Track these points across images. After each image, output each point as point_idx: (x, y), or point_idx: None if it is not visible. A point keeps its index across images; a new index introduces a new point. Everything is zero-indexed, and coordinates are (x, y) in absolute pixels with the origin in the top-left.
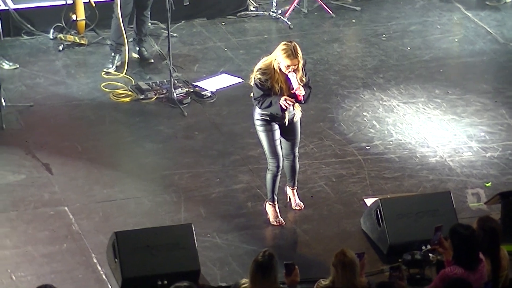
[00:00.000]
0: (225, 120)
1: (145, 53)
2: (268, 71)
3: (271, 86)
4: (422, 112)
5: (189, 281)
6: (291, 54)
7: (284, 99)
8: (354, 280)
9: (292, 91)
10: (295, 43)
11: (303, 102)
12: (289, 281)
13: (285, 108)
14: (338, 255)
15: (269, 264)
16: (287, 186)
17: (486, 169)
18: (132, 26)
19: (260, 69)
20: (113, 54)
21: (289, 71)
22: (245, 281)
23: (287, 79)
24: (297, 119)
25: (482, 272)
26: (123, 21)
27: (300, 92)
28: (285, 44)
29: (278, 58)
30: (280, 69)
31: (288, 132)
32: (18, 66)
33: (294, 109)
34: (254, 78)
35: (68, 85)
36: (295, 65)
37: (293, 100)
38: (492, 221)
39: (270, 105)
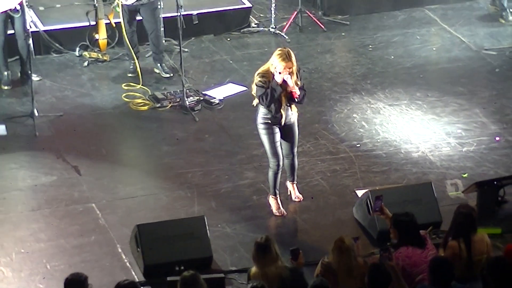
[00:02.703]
0: (232, 123)
1: (166, 69)
2: (267, 75)
3: (269, 88)
4: (405, 113)
5: (203, 266)
6: (286, 57)
7: (281, 77)
8: (351, 263)
9: (288, 91)
10: (289, 49)
11: (298, 100)
12: (295, 264)
13: (282, 82)
14: (336, 241)
15: (265, 243)
16: (288, 181)
17: (463, 162)
18: (148, 43)
19: (259, 73)
20: (132, 61)
21: (286, 74)
22: (254, 267)
23: (284, 82)
24: (294, 119)
25: (428, 255)
26: (130, 40)
27: (296, 90)
28: (280, 50)
29: (274, 63)
30: (276, 73)
31: (287, 134)
32: (41, 78)
33: (291, 111)
34: (255, 81)
35: (93, 96)
36: (289, 68)
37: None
38: (469, 208)
39: (272, 96)
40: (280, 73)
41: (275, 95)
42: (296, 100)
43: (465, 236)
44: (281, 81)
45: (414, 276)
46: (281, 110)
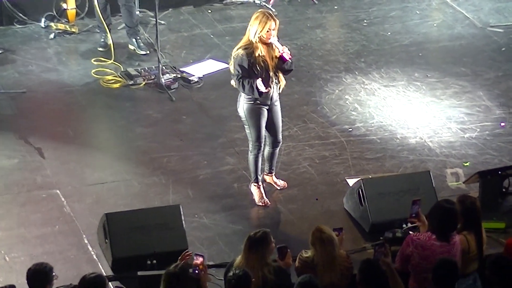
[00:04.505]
0: (212, 104)
1: (141, 45)
2: (249, 46)
3: (254, 61)
4: (402, 95)
5: (177, 260)
6: (269, 16)
7: (259, 81)
8: (334, 253)
9: (278, 56)
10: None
11: (289, 66)
12: (282, 264)
13: (262, 91)
14: (315, 233)
15: (257, 240)
16: (265, 175)
17: (464, 149)
18: (121, 14)
19: (241, 46)
20: (103, 34)
21: (271, 36)
22: (239, 258)
23: (268, 51)
24: (277, 98)
25: (451, 251)
26: (101, 11)
27: (287, 51)
28: (258, 12)
29: (257, 28)
30: (260, 41)
31: (274, 116)
32: (3, 51)
33: (273, 88)
34: (236, 54)
35: (60, 72)
36: (274, 29)
37: (266, 89)
38: (472, 198)
39: (249, 86)
40: (265, 37)
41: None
42: (288, 64)
43: (474, 229)
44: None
45: (419, 270)
46: (270, 83)
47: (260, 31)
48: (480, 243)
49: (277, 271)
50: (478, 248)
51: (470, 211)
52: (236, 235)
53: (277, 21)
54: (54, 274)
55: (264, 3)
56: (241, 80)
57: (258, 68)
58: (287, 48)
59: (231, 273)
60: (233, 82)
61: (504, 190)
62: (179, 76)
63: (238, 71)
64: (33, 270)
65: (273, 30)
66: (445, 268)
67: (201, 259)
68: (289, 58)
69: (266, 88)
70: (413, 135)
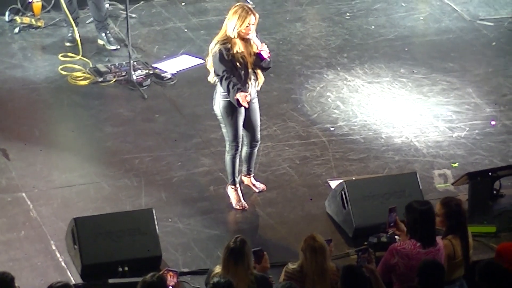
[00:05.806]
0: (186, 102)
1: (112, 40)
2: (227, 41)
3: (233, 57)
4: (387, 92)
5: (151, 267)
6: (248, 11)
7: (243, 95)
8: (324, 265)
9: (257, 51)
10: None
11: (267, 63)
12: (259, 268)
13: (240, 104)
14: (307, 240)
15: (241, 250)
16: (243, 176)
17: (453, 149)
18: (88, 7)
19: (218, 41)
20: (71, 28)
21: (250, 32)
22: (218, 267)
23: (246, 46)
24: (255, 96)
25: (436, 256)
26: (67, 4)
27: (265, 49)
28: (236, 6)
29: (236, 23)
30: (238, 36)
31: (252, 115)
32: None
33: (255, 84)
34: (215, 51)
35: (25, 68)
36: (253, 23)
37: (248, 100)
38: (456, 200)
39: (233, 91)
40: (244, 32)
41: (231, 92)
42: (266, 62)
43: (460, 233)
44: (242, 98)
45: (404, 280)
46: (248, 81)
47: (240, 26)
48: (466, 248)
49: (259, 280)
50: (464, 253)
51: (455, 213)
52: (212, 241)
53: (257, 16)
54: (17, 285)
55: None
56: (227, 81)
57: (237, 64)
58: (266, 46)
59: (216, 280)
60: (210, 79)
61: (494, 192)
62: (151, 72)
63: (222, 69)
64: None
65: (252, 25)
66: (431, 270)
67: (175, 279)
68: (268, 56)
69: (246, 102)
70: (399, 135)
